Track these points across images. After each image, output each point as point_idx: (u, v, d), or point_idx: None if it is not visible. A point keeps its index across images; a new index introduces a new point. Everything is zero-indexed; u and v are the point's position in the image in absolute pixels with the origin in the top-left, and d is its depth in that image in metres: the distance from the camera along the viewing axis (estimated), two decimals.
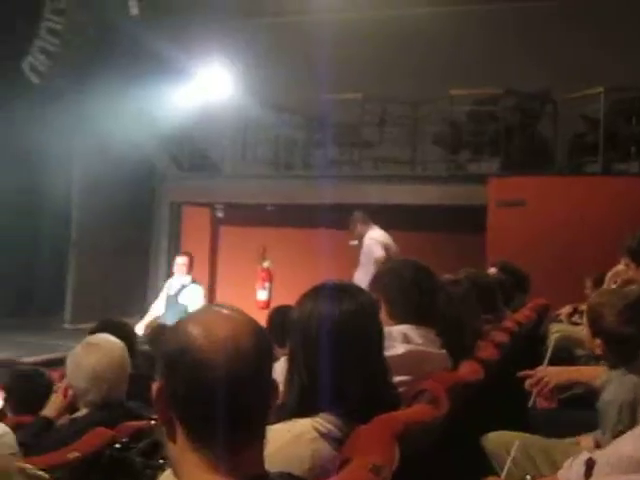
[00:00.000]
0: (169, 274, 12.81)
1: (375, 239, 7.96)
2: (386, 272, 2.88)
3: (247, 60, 11.40)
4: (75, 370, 3.03)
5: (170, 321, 7.41)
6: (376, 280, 2.83)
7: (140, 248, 13.03)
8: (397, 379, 2.27)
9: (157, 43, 10.48)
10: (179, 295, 8.29)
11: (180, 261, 8.50)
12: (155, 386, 1.28)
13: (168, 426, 1.27)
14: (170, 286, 8.54)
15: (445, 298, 3.03)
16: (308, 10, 11.29)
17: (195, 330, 1.27)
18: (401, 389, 2.28)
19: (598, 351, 2.98)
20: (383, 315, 2.55)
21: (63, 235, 11.73)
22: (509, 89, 10.26)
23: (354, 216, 8.36)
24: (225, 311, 1.32)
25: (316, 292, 2.01)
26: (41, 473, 1.80)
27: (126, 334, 3.99)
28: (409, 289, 2.71)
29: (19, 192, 10.54)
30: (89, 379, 2.96)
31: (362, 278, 7.34)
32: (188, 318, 1.32)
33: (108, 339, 3.11)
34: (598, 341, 2.94)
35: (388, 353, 2.21)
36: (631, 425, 2.67)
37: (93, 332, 3.82)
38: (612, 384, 2.89)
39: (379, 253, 7.78)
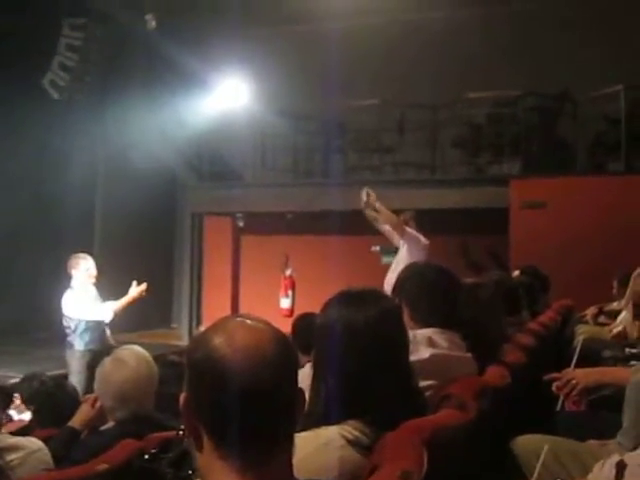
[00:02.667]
0: (190, 283, 12.90)
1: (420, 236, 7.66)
2: (409, 276, 2.87)
3: (265, 69, 11.45)
4: (103, 387, 3.04)
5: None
6: (399, 284, 2.82)
7: (163, 258, 13.11)
8: (422, 384, 2.25)
9: (175, 55, 10.56)
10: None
11: (93, 263, 6.84)
12: (182, 397, 1.29)
13: (195, 436, 1.27)
14: (87, 292, 6.81)
15: (470, 301, 3.01)
16: (324, 17, 11.32)
17: (218, 340, 1.27)
18: (427, 393, 2.26)
19: (636, 334, 3.05)
20: (406, 319, 2.54)
21: (86, 248, 11.81)
22: (528, 90, 10.21)
23: (407, 215, 7.84)
24: (248, 321, 1.32)
25: (340, 298, 2.01)
26: None
27: None
28: (432, 293, 2.70)
29: (41, 205, 10.65)
30: (116, 397, 2.96)
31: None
32: (211, 328, 1.32)
33: (136, 354, 3.10)
34: (637, 323, 3.02)
35: (413, 357, 2.20)
36: None
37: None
38: None
39: (425, 240, 7.57)
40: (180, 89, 11.11)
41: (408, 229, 7.48)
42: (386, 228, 7.74)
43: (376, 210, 7.44)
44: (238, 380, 1.23)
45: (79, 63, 10.45)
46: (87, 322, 6.70)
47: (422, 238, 7.55)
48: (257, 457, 1.25)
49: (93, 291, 6.89)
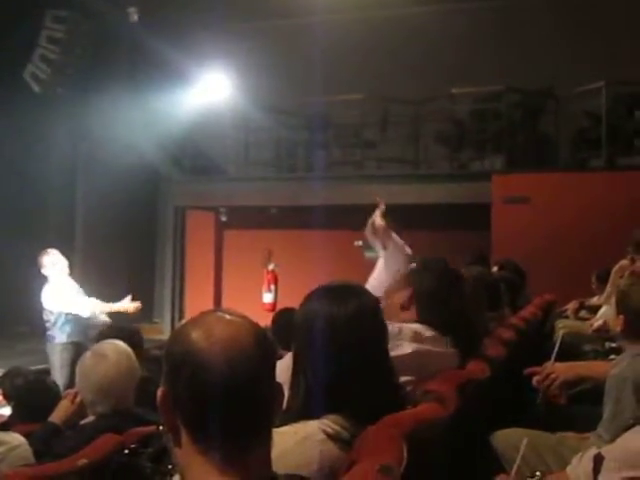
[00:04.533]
0: (173, 278, 12.87)
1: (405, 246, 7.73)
2: (424, 270, 2.94)
3: (247, 63, 11.42)
4: (83, 381, 3.03)
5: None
6: (412, 275, 2.88)
7: (145, 253, 13.05)
8: (403, 379, 2.26)
9: (157, 49, 10.50)
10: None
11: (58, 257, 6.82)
12: (159, 392, 1.28)
13: (173, 431, 1.27)
14: (66, 287, 6.81)
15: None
16: (308, 12, 11.29)
17: (196, 334, 1.27)
18: (408, 388, 2.27)
19: (619, 328, 3.10)
20: (408, 313, 2.66)
21: (68, 241, 11.75)
22: (510, 86, 10.25)
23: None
24: (226, 315, 1.32)
25: (320, 293, 2.01)
26: None
27: (133, 340, 4.01)
28: (442, 291, 2.77)
29: (23, 199, 10.57)
30: (97, 391, 2.95)
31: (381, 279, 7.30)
32: (189, 322, 1.32)
33: (116, 348, 3.09)
34: (621, 317, 3.06)
35: (395, 353, 2.21)
36: (631, 405, 2.69)
37: (101, 337, 3.84)
38: (624, 360, 2.96)
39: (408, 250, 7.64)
40: (163, 83, 11.05)
41: (394, 236, 7.55)
42: (371, 234, 7.82)
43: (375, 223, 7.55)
44: (216, 374, 1.23)
45: (61, 56, 10.35)
46: (67, 315, 6.66)
47: (407, 248, 7.62)
48: (236, 452, 1.24)
49: (73, 285, 6.85)
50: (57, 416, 3.24)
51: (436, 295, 2.75)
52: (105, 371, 2.96)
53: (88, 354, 3.09)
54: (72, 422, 3.20)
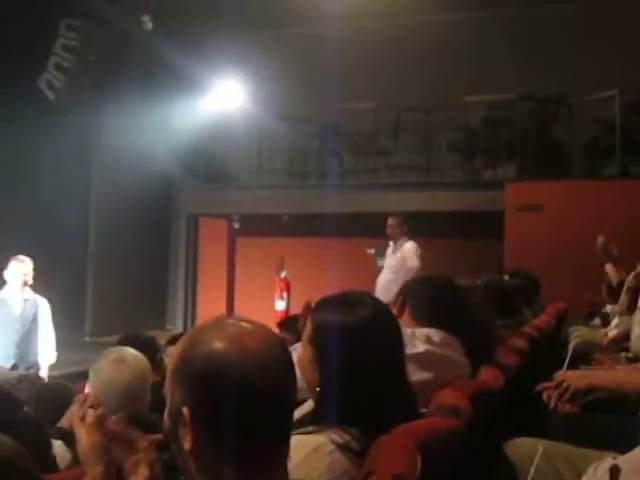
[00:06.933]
0: (185, 285, 12.92)
1: (416, 247, 7.79)
2: (419, 279, 2.99)
3: (261, 71, 11.45)
4: (106, 388, 2.99)
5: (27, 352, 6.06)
6: (408, 285, 2.91)
7: (158, 260, 13.09)
8: (420, 376, 2.29)
9: (171, 57, 10.55)
10: (31, 313, 6.27)
11: (26, 268, 6.26)
12: (185, 411, 1.21)
13: (195, 450, 1.21)
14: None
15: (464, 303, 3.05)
16: (321, 20, 11.33)
17: (225, 347, 1.20)
18: (421, 388, 2.26)
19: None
20: (406, 319, 2.67)
21: (81, 248, 11.80)
22: (523, 94, 10.24)
23: (396, 220, 7.93)
24: (245, 324, 1.26)
25: (329, 303, 2.01)
26: None
27: (151, 348, 4.02)
28: (440, 297, 2.78)
29: (37, 207, 10.62)
30: (122, 397, 2.92)
31: (389, 280, 7.36)
32: (206, 333, 1.24)
33: (133, 353, 3.08)
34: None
35: (409, 351, 2.21)
36: None
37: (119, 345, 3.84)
38: None
39: (417, 262, 7.67)
40: (177, 90, 11.11)
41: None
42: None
43: None
44: (253, 388, 1.19)
45: (75, 64, 10.42)
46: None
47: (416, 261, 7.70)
48: (263, 464, 1.22)
49: (16, 301, 6.25)
50: (67, 421, 3.24)
51: (430, 302, 2.77)
52: (129, 375, 2.94)
53: (104, 363, 3.05)
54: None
